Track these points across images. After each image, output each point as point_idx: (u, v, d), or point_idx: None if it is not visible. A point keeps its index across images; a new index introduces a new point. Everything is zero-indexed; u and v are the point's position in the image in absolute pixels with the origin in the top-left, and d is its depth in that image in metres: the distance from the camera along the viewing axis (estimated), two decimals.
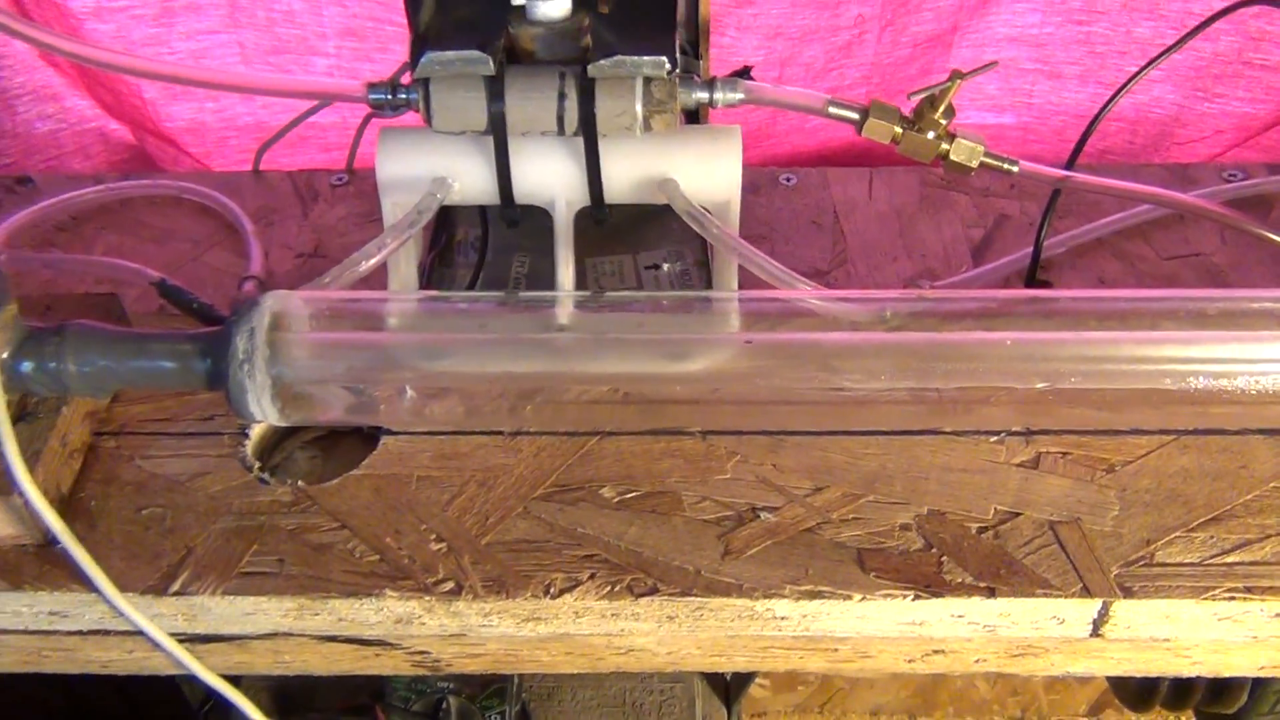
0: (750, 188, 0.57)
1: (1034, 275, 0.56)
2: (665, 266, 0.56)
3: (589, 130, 0.46)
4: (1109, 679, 0.80)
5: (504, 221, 0.51)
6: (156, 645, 0.41)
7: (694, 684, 0.76)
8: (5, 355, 0.40)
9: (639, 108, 0.45)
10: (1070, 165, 0.56)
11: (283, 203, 0.62)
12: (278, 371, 0.39)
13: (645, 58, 0.45)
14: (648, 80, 0.45)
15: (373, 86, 0.49)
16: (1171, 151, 0.99)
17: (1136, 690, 0.73)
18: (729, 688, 0.77)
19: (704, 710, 0.75)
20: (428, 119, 0.46)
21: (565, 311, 0.45)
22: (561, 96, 0.45)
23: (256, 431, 0.46)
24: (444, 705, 0.65)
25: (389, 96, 0.49)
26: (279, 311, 0.40)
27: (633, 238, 0.57)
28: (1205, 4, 0.80)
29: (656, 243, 0.58)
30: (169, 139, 1.05)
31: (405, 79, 0.49)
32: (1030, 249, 0.56)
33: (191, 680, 0.42)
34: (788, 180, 0.63)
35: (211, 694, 0.41)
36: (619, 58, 0.45)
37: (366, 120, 0.63)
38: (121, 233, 0.60)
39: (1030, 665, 0.43)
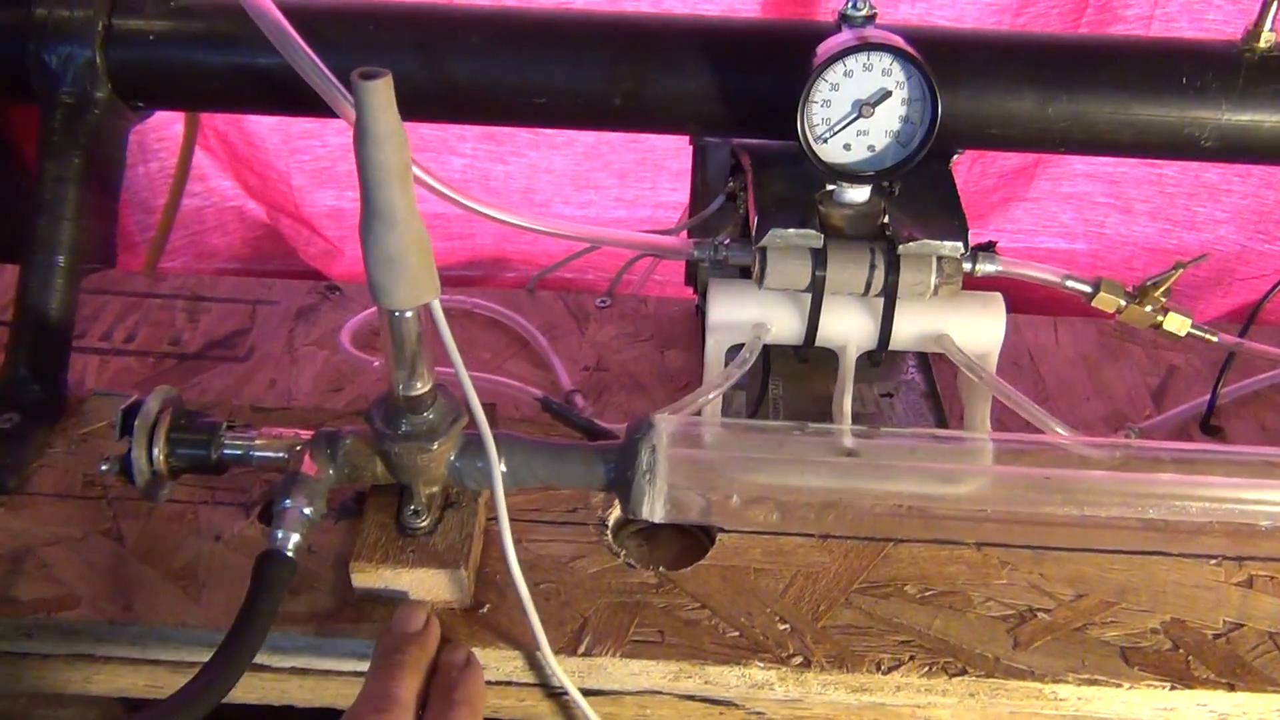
0: None
1: (1208, 421, 0.67)
2: (895, 396, 0.67)
3: (889, 295, 0.57)
4: None
5: (796, 358, 0.63)
6: (560, 696, 0.50)
7: None
8: (452, 457, 0.51)
9: (934, 280, 0.56)
10: (1243, 333, 0.68)
11: (559, 320, 0.73)
12: (671, 481, 0.50)
13: (945, 242, 0.56)
14: (940, 258, 0.57)
15: (698, 245, 0.60)
16: (1233, 287, 1.11)
17: None
18: None
19: None
20: (759, 278, 0.57)
21: (850, 439, 0.56)
22: (872, 267, 0.56)
23: (611, 522, 0.56)
24: None
25: (713, 254, 0.60)
26: (669, 432, 0.51)
27: (869, 371, 0.68)
28: None
29: (887, 375, 0.69)
30: (307, 222, 1.15)
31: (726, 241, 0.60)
32: (1200, 398, 0.68)
33: None
34: None
35: None
36: (924, 241, 0.56)
37: (635, 259, 0.75)
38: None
39: None
